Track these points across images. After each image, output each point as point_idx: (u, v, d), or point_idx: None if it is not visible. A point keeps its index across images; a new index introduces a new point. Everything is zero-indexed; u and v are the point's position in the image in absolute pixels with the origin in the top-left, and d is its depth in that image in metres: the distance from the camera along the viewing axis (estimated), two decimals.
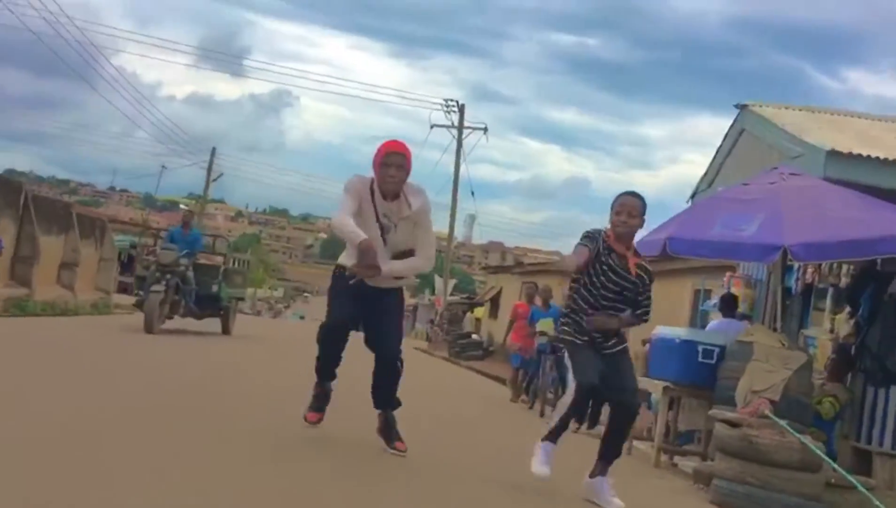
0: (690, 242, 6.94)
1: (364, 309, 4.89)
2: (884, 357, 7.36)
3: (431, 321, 38.67)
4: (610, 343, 4.86)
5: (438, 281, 33.55)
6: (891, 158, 7.29)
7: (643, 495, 5.82)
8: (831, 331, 8.74)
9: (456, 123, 32.51)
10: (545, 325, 10.30)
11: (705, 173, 10.47)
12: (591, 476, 4.89)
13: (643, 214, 4.79)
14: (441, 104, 32.74)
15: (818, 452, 5.63)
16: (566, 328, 4.90)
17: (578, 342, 4.82)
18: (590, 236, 4.78)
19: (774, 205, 6.80)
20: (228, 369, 9.32)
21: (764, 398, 6.29)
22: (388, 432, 5.02)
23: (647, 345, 8.20)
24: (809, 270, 8.94)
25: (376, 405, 5.08)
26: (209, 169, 43.28)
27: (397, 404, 5.10)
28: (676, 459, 7.92)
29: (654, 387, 7.50)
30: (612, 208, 4.81)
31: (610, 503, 4.73)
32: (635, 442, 9.03)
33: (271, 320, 45.41)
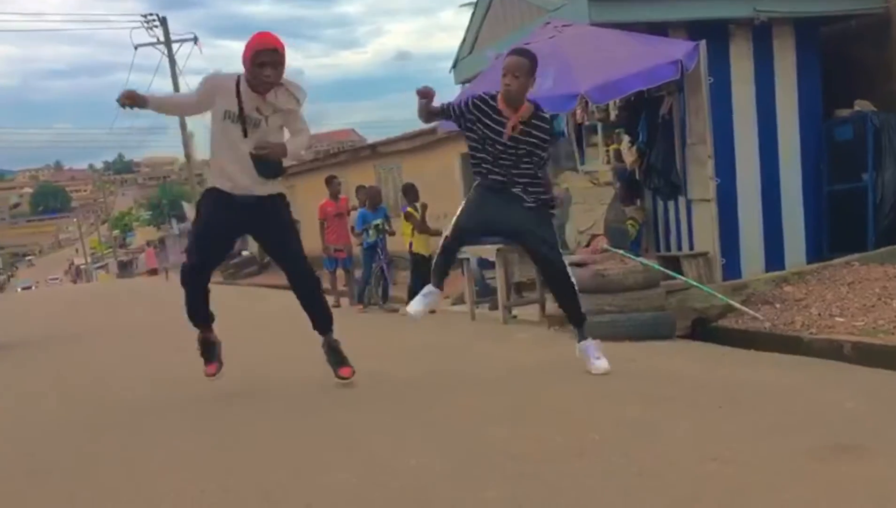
0: None
1: (248, 226, 4.68)
2: (668, 173, 8.28)
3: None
4: (528, 197, 4.75)
5: (187, 208, 31.96)
6: None
7: (516, 351, 6.26)
8: (608, 162, 9.62)
9: (162, 39, 30.26)
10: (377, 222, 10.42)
11: (464, 41, 10.75)
12: (578, 341, 4.90)
13: (531, 72, 4.65)
14: (141, 21, 30.22)
15: (659, 268, 6.35)
16: (476, 178, 4.90)
17: (481, 188, 4.81)
18: (454, 105, 4.84)
19: (560, 57, 7.23)
20: None
21: (596, 234, 6.91)
22: (337, 356, 4.84)
23: None
24: (578, 110, 9.64)
25: (319, 329, 4.86)
26: None
27: (330, 322, 4.86)
28: (517, 312, 8.48)
29: (487, 252, 7.91)
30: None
31: (592, 365, 4.72)
32: (455, 307, 9.52)
33: None
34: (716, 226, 7.66)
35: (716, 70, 7.92)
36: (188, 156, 31.08)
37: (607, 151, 9.74)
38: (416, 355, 6.12)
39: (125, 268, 48.34)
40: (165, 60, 29.91)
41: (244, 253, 26.74)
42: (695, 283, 6.61)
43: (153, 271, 40.10)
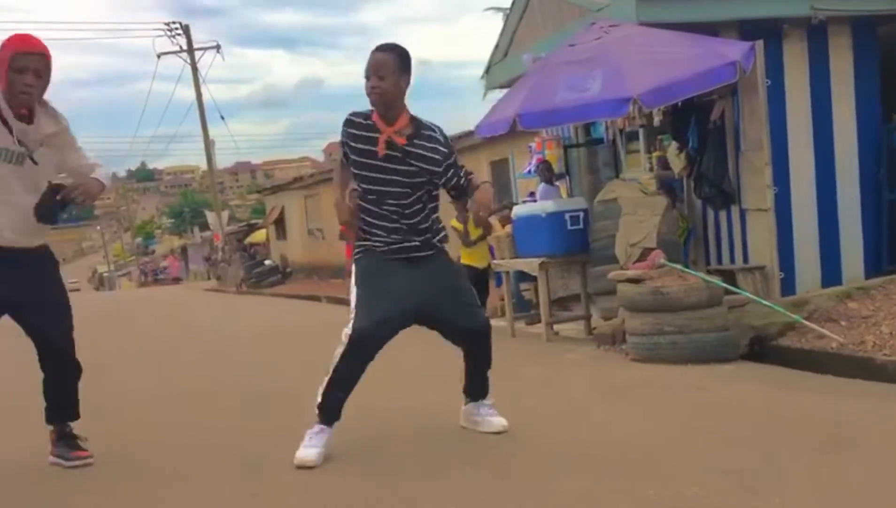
0: (540, 113, 6.81)
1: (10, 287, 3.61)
2: (719, 181, 7.79)
3: (207, 259, 36.97)
4: (418, 244, 3.78)
5: (210, 216, 31.76)
6: None
7: (568, 375, 5.81)
8: (650, 170, 9.15)
9: (185, 48, 30.08)
10: None
11: (497, 46, 10.32)
12: (474, 400, 4.07)
13: (401, 70, 3.62)
14: (163, 30, 30.08)
15: (723, 284, 5.89)
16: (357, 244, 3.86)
17: (374, 258, 3.74)
18: (342, 140, 3.83)
19: (609, 59, 6.80)
20: None
21: (650, 247, 6.46)
22: (70, 442, 3.94)
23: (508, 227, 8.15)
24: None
25: (53, 419, 3.94)
26: None
27: (76, 414, 3.97)
28: (556, 328, 8.04)
29: (528, 265, 7.48)
30: None
31: (488, 422, 3.99)
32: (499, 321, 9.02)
33: None
34: (774, 238, 7.18)
35: (769, 72, 7.45)
36: (210, 162, 30.77)
37: (650, 158, 9.29)
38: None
39: (155, 275, 48.41)
40: (188, 69, 29.73)
41: (267, 262, 26.45)
42: (764, 301, 6.13)
43: (177, 280, 39.98)
